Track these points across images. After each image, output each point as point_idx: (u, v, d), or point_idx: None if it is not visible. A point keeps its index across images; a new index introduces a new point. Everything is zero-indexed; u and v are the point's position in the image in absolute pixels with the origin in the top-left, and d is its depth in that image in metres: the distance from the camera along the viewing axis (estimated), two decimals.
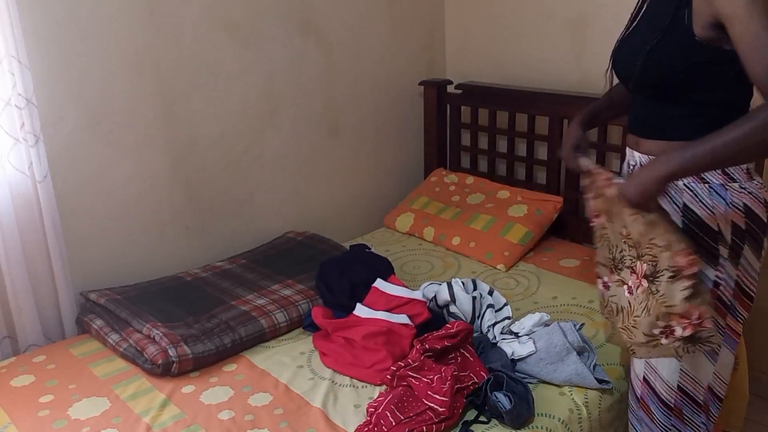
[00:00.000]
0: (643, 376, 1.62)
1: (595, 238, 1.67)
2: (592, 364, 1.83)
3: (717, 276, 1.48)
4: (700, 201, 1.47)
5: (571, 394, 1.79)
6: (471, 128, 3.06)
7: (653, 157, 1.48)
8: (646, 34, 1.48)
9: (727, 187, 1.45)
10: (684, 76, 1.41)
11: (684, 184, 1.48)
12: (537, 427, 1.67)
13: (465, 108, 3.08)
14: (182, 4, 2.35)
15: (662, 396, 1.59)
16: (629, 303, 1.54)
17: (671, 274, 1.40)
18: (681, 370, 1.56)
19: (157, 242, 2.46)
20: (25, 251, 2.09)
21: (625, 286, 1.54)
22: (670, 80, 1.43)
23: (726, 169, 1.45)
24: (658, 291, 1.43)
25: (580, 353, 1.84)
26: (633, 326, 1.52)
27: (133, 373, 1.94)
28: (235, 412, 1.76)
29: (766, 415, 2.43)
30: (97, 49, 2.18)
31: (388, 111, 3.11)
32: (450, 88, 3.09)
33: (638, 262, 1.48)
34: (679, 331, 1.42)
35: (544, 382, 1.83)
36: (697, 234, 1.47)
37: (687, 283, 1.39)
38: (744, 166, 1.46)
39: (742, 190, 1.46)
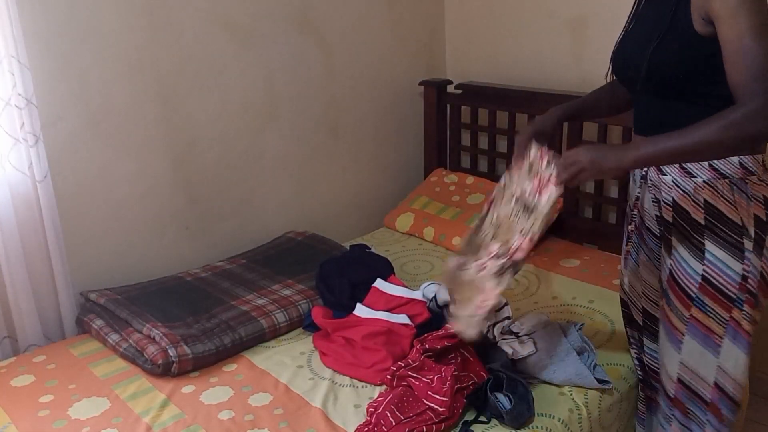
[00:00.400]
0: (677, 378, 1.63)
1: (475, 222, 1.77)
2: (592, 365, 1.83)
3: (744, 270, 1.48)
4: (722, 196, 1.47)
5: (571, 394, 1.79)
6: (471, 128, 3.06)
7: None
8: (648, 34, 1.47)
9: (747, 180, 1.46)
10: (689, 70, 1.41)
11: (704, 181, 1.48)
12: (537, 427, 1.67)
13: (465, 108, 3.08)
14: (182, 4, 2.35)
15: (700, 393, 1.60)
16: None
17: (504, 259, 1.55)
18: (681, 363, 1.58)
19: (157, 242, 2.46)
20: (25, 251, 2.09)
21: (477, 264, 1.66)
22: (677, 77, 1.44)
23: (743, 163, 1.45)
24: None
25: (580, 353, 1.84)
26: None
27: (133, 373, 1.94)
28: (235, 412, 1.76)
29: (766, 415, 2.43)
30: (97, 49, 2.18)
31: (388, 111, 3.11)
32: (450, 88, 3.09)
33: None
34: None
35: (544, 382, 1.83)
36: (721, 230, 1.48)
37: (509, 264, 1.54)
38: (761, 159, 1.47)
39: (761, 182, 1.47)
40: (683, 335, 1.57)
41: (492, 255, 1.63)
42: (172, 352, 1.91)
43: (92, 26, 2.16)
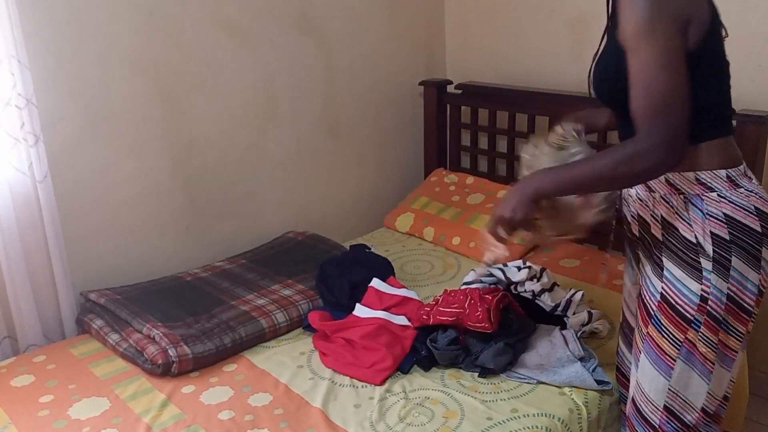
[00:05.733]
0: (631, 397, 1.57)
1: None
2: (592, 368, 1.84)
3: (703, 291, 1.39)
4: (677, 212, 1.41)
5: (571, 394, 1.79)
6: (471, 128, 3.06)
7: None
8: (598, 48, 1.46)
9: (703, 197, 1.38)
10: (621, 87, 1.33)
11: (660, 196, 1.43)
12: (537, 427, 1.67)
13: (465, 108, 3.07)
14: (182, 4, 2.35)
15: (647, 416, 1.52)
16: None
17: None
18: (669, 389, 1.47)
19: (157, 242, 2.46)
20: (25, 251, 2.09)
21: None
22: (616, 93, 1.36)
23: (701, 179, 1.38)
24: None
25: (581, 360, 1.85)
26: None
27: (133, 373, 1.94)
28: (235, 412, 1.76)
29: (766, 415, 2.43)
30: (97, 49, 2.18)
31: (388, 111, 3.11)
32: (450, 88, 3.09)
33: None
34: None
35: (544, 382, 1.83)
36: (677, 247, 1.42)
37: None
38: (723, 174, 1.38)
39: (722, 199, 1.38)
40: (640, 353, 1.51)
41: None
42: (172, 352, 1.91)
43: (92, 26, 2.16)
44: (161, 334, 1.96)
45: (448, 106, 3.09)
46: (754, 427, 2.36)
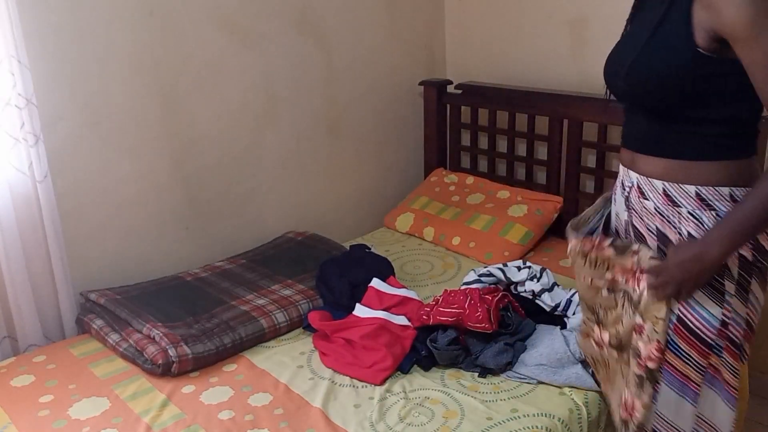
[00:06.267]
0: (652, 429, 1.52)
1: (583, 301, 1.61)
2: (591, 370, 1.83)
3: (724, 315, 1.33)
4: (707, 230, 1.33)
5: (571, 394, 1.79)
6: (471, 128, 3.06)
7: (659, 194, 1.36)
8: (635, 43, 1.35)
9: None
10: (678, 89, 1.28)
11: (689, 212, 1.35)
12: (537, 427, 1.67)
13: (465, 108, 3.07)
14: (182, 3, 2.35)
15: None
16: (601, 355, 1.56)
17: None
18: (698, 416, 1.42)
19: (157, 242, 2.46)
20: (25, 251, 2.09)
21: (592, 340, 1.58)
22: (661, 95, 1.31)
23: (734, 196, 1.32)
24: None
25: (580, 360, 1.85)
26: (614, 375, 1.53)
27: (133, 373, 1.94)
28: (235, 412, 1.76)
29: (766, 415, 2.43)
30: (97, 49, 2.18)
31: (388, 111, 3.11)
32: (450, 88, 3.09)
33: (597, 326, 1.51)
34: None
35: (544, 382, 1.83)
36: None
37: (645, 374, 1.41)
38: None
39: None
40: (659, 383, 1.44)
41: (604, 343, 1.53)
42: (172, 352, 1.91)
43: (92, 26, 2.16)
44: (161, 334, 1.96)
45: (448, 106, 3.09)
46: (754, 427, 2.36)
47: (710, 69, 1.25)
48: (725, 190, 1.32)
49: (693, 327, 1.35)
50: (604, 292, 1.46)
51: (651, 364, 1.38)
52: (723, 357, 1.36)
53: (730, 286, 1.33)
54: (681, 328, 1.37)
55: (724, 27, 1.20)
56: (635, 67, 1.33)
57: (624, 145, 1.49)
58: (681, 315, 1.37)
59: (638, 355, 1.41)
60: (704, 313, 1.34)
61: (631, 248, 1.38)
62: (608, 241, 1.42)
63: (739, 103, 1.30)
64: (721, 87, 1.28)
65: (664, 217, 1.38)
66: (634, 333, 1.42)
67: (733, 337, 1.35)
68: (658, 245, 1.40)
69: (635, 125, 1.43)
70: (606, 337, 1.49)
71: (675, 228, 1.36)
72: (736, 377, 1.37)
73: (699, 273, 1.31)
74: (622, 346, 1.44)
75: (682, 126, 1.33)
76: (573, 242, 1.51)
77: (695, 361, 1.37)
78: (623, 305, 1.43)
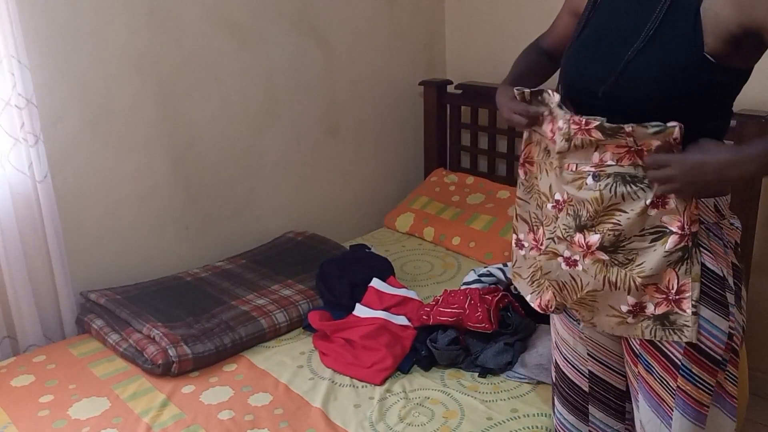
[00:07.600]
0: None
1: (519, 185, 1.43)
2: None
3: (730, 328, 1.27)
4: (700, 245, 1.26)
5: None
6: (471, 128, 3.06)
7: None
8: (622, 39, 1.23)
9: (720, 224, 1.27)
10: (674, 97, 1.19)
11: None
12: (537, 427, 1.67)
13: (465, 108, 3.08)
14: (182, 4, 2.35)
15: None
16: (572, 277, 1.32)
17: (654, 235, 1.21)
18: None
19: (157, 242, 2.46)
20: (25, 251, 2.09)
21: (560, 258, 1.32)
22: (654, 103, 1.20)
23: (718, 206, 1.26)
24: (629, 260, 1.24)
25: None
26: (592, 301, 1.31)
27: (133, 373, 1.94)
28: (235, 412, 1.76)
29: (766, 415, 2.43)
30: (97, 49, 2.18)
31: (388, 111, 3.11)
32: (450, 88, 3.09)
33: (579, 233, 1.26)
34: (650, 309, 1.26)
35: (543, 382, 1.83)
36: (705, 284, 1.25)
37: (672, 245, 1.20)
38: (727, 200, 1.28)
39: (732, 226, 1.29)
40: (671, 410, 1.32)
41: (588, 249, 1.28)
42: (172, 352, 1.91)
43: (92, 26, 2.16)
44: (161, 334, 1.96)
45: (448, 106, 3.09)
46: (754, 427, 2.36)
47: (711, 77, 1.19)
48: (710, 201, 1.26)
49: (706, 349, 1.28)
50: (590, 180, 1.25)
51: (694, 228, 1.22)
52: (727, 369, 1.31)
53: (731, 298, 1.28)
54: (694, 352, 1.28)
55: (761, 18, 1.12)
56: (632, 69, 1.22)
57: None
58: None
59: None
60: (715, 332, 1.27)
61: (624, 129, 1.19)
62: (595, 123, 1.22)
63: (717, 121, 1.26)
64: (712, 99, 1.22)
65: None
66: (649, 213, 1.22)
67: (735, 347, 1.30)
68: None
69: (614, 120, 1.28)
70: (594, 238, 1.26)
71: (701, 244, 1.28)
72: (735, 385, 1.33)
73: (712, 183, 1.18)
74: (618, 242, 1.25)
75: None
76: (560, 123, 1.28)
77: (707, 383, 1.30)
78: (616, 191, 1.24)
